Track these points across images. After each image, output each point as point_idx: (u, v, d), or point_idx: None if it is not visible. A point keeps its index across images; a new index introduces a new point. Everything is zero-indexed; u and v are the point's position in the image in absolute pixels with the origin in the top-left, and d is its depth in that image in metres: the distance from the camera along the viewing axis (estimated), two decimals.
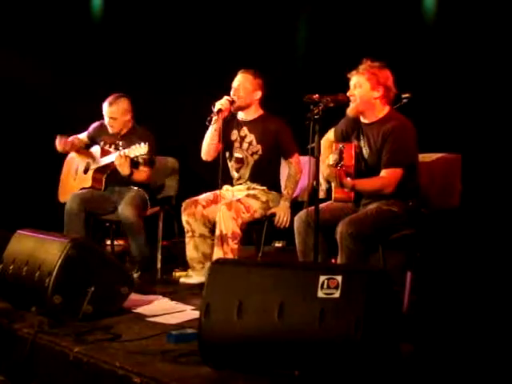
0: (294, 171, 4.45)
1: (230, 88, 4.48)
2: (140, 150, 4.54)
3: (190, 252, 4.35)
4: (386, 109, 3.80)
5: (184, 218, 4.36)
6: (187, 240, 4.36)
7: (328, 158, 3.66)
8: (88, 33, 6.38)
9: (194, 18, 6.15)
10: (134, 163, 4.75)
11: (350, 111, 3.82)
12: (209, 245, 4.33)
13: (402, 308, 3.50)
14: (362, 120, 3.85)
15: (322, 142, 3.89)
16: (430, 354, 3.02)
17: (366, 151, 3.82)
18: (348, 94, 3.76)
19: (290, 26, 5.87)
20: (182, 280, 4.36)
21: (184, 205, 4.39)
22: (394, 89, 3.79)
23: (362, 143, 3.84)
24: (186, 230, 4.36)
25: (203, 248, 4.34)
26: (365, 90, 3.74)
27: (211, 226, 4.34)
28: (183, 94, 6.02)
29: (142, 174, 4.82)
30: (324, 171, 3.69)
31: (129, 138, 4.85)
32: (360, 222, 3.58)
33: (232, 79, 4.53)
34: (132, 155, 4.58)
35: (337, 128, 4.02)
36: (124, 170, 4.65)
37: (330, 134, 4.04)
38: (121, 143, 4.81)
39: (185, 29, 6.16)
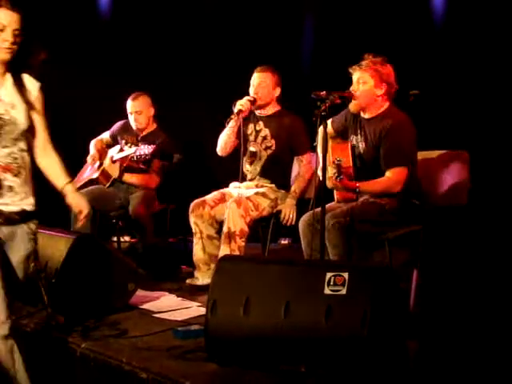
0: (303, 170, 4.43)
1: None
2: (144, 150, 4.57)
3: (197, 253, 4.34)
4: (386, 105, 3.82)
5: (192, 219, 4.34)
6: (195, 241, 4.35)
7: (327, 171, 3.65)
8: (97, 31, 6.38)
9: (203, 15, 6.15)
10: (144, 163, 4.76)
11: (353, 107, 3.83)
12: (215, 246, 4.31)
13: (408, 305, 3.50)
14: (362, 115, 3.86)
15: (320, 132, 3.77)
16: (436, 351, 3.02)
17: (361, 146, 3.84)
18: (351, 89, 3.77)
19: (297, 24, 5.86)
20: (187, 281, 4.35)
21: (192, 206, 4.36)
22: (396, 84, 3.79)
23: (359, 138, 3.85)
24: (193, 232, 4.35)
25: (210, 249, 4.32)
26: (368, 87, 3.75)
27: (218, 227, 4.32)
28: (194, 92, 6.01)
29: (147, 179, 4.84)
30: (327, 183, 3.68)
31: (148, 141, 4.85)
32: (342, 214, 3.62)
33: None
34: (136, 154, 4.59)
35: (334, 119, 4.02)
36: (113, 172, 4.73)
37: (328, 126, 4.03)
38: (139, 144, 4.83)
39: (192, 26, 6.16)
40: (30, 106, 2.63)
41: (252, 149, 4.49)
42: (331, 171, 3.64)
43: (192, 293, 4.15)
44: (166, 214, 5.01)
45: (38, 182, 6.18)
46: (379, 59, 3.75)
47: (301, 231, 3.82)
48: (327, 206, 3.78)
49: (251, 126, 4.50)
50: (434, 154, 4.00)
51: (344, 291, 2.58)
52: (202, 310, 3.41)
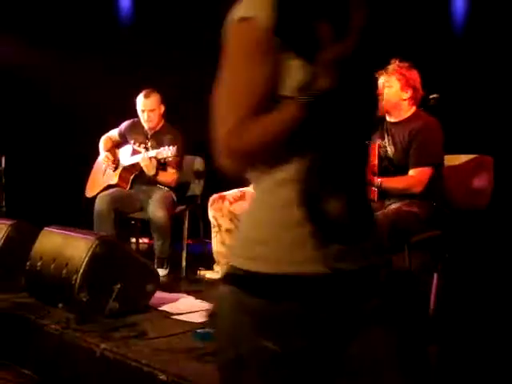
0: None
1: None
2: (167, 152, 4.58)
3: (216, 246, 4.35)
4: (413, 109, 3.81)
5: (211, 213, 4.36)
6: (213, 234, 4.36)
7: None
8: (115, 31, 6.41)
9: (214, 13, 6.14)
10: (162, 164, 4.77)
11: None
12: None
13: (428, 309, 3.48)
14: (388, 119, 3.85)
15: None
16: (456, 355, 3.00)
17: (390, 150, 3.81)
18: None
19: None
20: (207, 276, 4.36)
21: (211, 200, 4.40)
22: (422, 90, 3.79)
23: (387, 142, 3.83)
24: (212, 225, 4.36)
25: (230, 242, 4.33)
26: (394, 91, 3.75)
27: (238, 222, 4.33)
28: (204, 91, 5.99)
29: (168, 175, 4.83)
30: None
31: (158, 138, 4.86)
32: (378, 224, 3.54)
33: None
34: (159, 157, 4.62)
35: None
36: (149, 170, 4.69)
37: None
38: (150, 143, 4.84)
39: (203, 25, 6.15)
40: None
41: None
42: None
43: (210, 295, 4.14)
44: (185, 216, 5.01)
45: (57, 184, 6.23)
46: (406, 64, 3.76)
47: None
48: None
49: None
50: (457, 158, 3.98)
51: None
52: None
